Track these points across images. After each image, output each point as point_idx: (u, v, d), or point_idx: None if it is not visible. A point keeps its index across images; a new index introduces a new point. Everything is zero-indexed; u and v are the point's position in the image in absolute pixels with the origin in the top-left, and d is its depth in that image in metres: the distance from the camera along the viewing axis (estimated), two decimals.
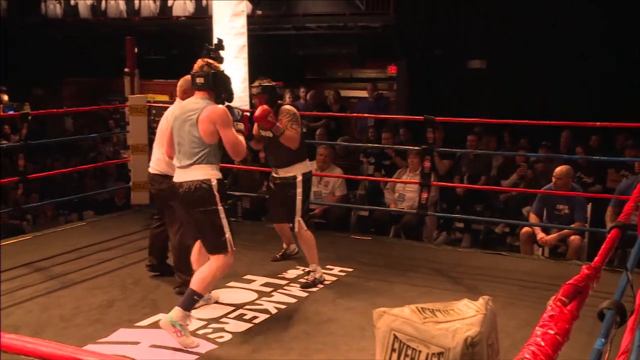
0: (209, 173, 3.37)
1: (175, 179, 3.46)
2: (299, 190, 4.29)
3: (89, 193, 8.12)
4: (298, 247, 4.70)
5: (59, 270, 4.57)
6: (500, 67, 9.03)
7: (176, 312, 3.30)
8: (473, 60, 9.47)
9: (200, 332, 3.55)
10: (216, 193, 3.36)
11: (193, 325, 3.60)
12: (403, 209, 6.24)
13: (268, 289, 4.25)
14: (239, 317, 3.77)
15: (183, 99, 4.17)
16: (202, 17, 9.92)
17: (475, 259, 5.11)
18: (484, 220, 6.43)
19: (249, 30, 7.59)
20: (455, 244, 6.28)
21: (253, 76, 7.35)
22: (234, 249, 3.46)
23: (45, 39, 12.32)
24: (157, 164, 4.24)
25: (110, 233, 5.40)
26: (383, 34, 9.73)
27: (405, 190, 6.36)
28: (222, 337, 3.51)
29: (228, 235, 3.41)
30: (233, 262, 3.54)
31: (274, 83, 4.37)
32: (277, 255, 4.90)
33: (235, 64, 7.08)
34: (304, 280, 4.34)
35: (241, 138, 3.49)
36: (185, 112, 3.44)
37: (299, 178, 4.30)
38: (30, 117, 5.49)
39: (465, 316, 2.75)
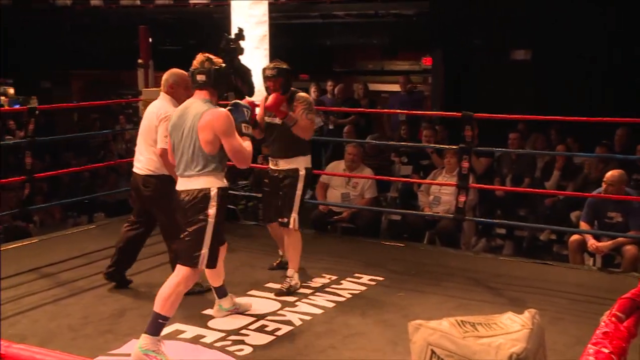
0: (209, 182, 3.36)
1: (177, 188, 3.45)
2: (300, 185, 4.34)
3: (99, 194, 8.22)
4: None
5: (67, 277, 4.63)
6: (547, 58, 8.93)
7: (144, 340, 3.27)
8: (517, 50, 9.37)
9: (219, 344, 3.57)
10: (213, 203, 3.34)
11: (211, 337, 3.64)
12: (438, 212, 6.21)
13: (292, 299, 4.26)
14: (261, 329, 3.78)
15: (169, 93, 4.21)
16: (220, 5, 9.99)
17: (518, 269, 5.05)
18: (528, 226, 6.36)
19: (271, 18, 7.62)
20: (495, 252, 6.23)
21: None
22: (203, 267, 3.43)
23: (54, 28, 12.51)
24: (148, 163, 4.20)
25: None
26: (417, 22, 9.70)
27: (440, 193, 6.33)
28: (241, 350, 3.52)
29: (204, 251, 3.36)
30: (198, 277, 3.52)
31: (289, 67, 4.38)
32: (274, 264, 4.86)
33: (255, 55, 7.12)
34: (279, 287, 4.32)
35: (247, 143, 3.43)
36: (184, 116, 3.41)
37: (302, 172, 4.35)
38: (37, 112, 5.58)
39: (509, 331, 2.72)
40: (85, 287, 4.40)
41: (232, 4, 7.37)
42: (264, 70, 4.40)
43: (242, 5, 7.30)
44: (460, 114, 5.29)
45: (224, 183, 3.43)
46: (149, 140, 4.19)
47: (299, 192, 4.33)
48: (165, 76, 4.27)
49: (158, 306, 3.31)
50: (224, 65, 3.52)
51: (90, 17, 12.34)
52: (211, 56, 3.51)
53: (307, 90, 9.18)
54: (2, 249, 5.43)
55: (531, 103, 8.62)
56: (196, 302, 4.15)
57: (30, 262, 4.89)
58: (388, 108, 8.94)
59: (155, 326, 3.29)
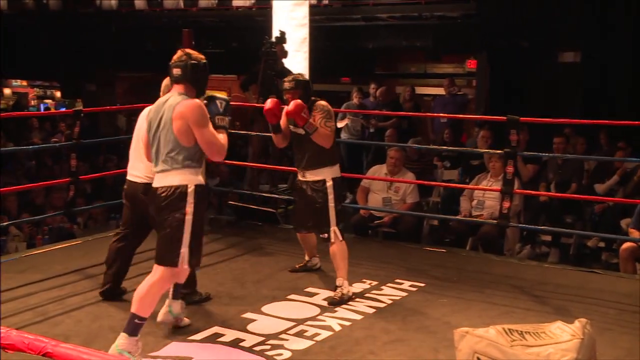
0: (186, 178, 3.34)
1: (154, 184, 3.43)
2: (331, 197, 4.33)
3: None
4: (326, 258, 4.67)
5: None
6: (597, 60, 8.75)
7: (122, 339, 3.28)
8: (565, 52, 9.21)
9: (258, 348, 3.59)
10: (190, 200, 3.32)
11: (250, 341, 3.66)
12: (482, 215, 6.13)
13: (332, 306, 4.24)
14: (300, 334, 3.79)
15: None
16: (262, 7, 10.08)
17: (564, 277, 4.97)
18: (576, 234, 6.24)
19: (314, 20, 7.67)
20: (540, 259, 6.13)
21: (316, 71, 7.44)
22: (185, 266, 3.40)
23: (99, 31, 12.79)
24: (148, 171, 4.01)
25: None
26: (462, 24, 9.62)
27: (485, 197, 6.26)
28: (280, 354, 3.53)
29: (184, 250, 3.34)
30: (175, 279, 3.52)
31: (307, 78, 4.52)
32: (297, 267, 4.87)
33: (295, 58, 7.17)
34: (331, 297, 4.28)
35: (222, 136, 3.39)
36: (159, 111, 3.41)
37: (329, 183, 4.35)
38: (82, 115, 5.71)
39: (559, 340, 2.68)
40: (127, 289, 4.46)
41: (274, 6, 7.43)
42: (283, 82, 4.50)
43: (284, 8, 7.36)
44: (505, 117, 5.22)
45: (200, 180, 3.40)
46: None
47: (332, 205, 4.33)
48: (165, 82, 4.16)
49: (135, 306, 3.31)
50: (203, 60, 3.47)
51: (135, 20, 12.57)
52: (191, 51, 3.49)
53: (349, 93, 9.25)
54: (48, 249, 5.59)
55: (580, 106, 8.47)
56: (235, 305, 4.19)
57: (74, 263, 5.00)
58: (431, 111, 8.88)
59: (133, 326, 3.29)
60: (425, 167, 7.31)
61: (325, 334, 3.80)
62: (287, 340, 3.71)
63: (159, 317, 3.77)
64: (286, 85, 4.41)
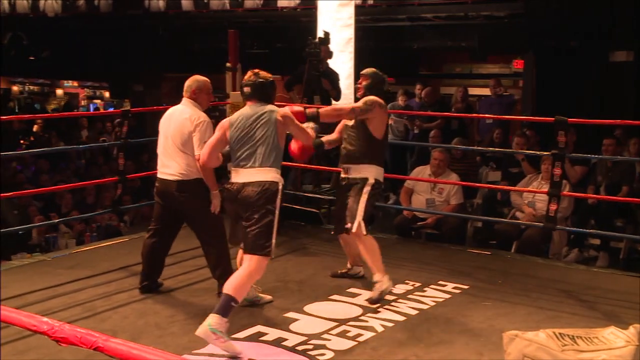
0: (276, 176, 3.73)
1: (238, 180, 3.73)
2: (367, 189, 4.28)
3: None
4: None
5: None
6: None
7: (214, 318, 3.45)
8: (617, 51, 8.99)
9: (300, 348, 3.61)
10: (279, 196, 3.70)
11: (292, 340, 3.68)
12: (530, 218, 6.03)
13: (374, 305, 4.25)
14: (342, 334, 3.80)
15: (192, 99, 4.26)
16: (307, 8, 10.10)
17: (613, 282, 4.86)
18: (627, 237, 6.09)
19: (358, 21, 7.65)
20: (588, 263, 6.01)
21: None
22: (272, 256, 3.74)
23: (147, 32, 12.99)
24: (182, 168, 4.19)
25: None
26: (509, 24, 9.48)
27: (535, 199, 6.16)
28: (323, 354, 3.54)
29: (274, 242, 3.69)
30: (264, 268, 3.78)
31: (384, 78, 4.56)
32: (338, 272, 4.81)
33: (340, 58, 7.18)
34: (370, 296, 4.26)
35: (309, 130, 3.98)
36: (252, 116, 3.78)
37: (371, 180, 4.31)
38: (130, 115, 5.82)
39: (612, 346, 2.63)
40: (172, 287, 4.55)
41: (319, 7, 7.45)
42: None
43: (329, 9, 7.36)
44: (553, 119, 5.13)
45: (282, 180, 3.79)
46: (179, 146, 4.19)
47: (364, 197, 4.26)
48: (188, 82, 4.29)
49: (230, 289, 3.55)
50: (270, 78, 3.83)
51: (181, 21, 12.74)
52: (258, 71, 3.87)
53: (393, 94, 9.21)
54: (95, 246, 5.73)
55: (631, 107, 8.26)
56: (277, 304, 4.22)
57: (120, 260, 5.11)
58: (477, 112, 8.78)
59: (226, 308, 3.51)
60: (470, 169, 7.23)
61: (367, 334, 3.80)
62: (329, 340, 3.71)
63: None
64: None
